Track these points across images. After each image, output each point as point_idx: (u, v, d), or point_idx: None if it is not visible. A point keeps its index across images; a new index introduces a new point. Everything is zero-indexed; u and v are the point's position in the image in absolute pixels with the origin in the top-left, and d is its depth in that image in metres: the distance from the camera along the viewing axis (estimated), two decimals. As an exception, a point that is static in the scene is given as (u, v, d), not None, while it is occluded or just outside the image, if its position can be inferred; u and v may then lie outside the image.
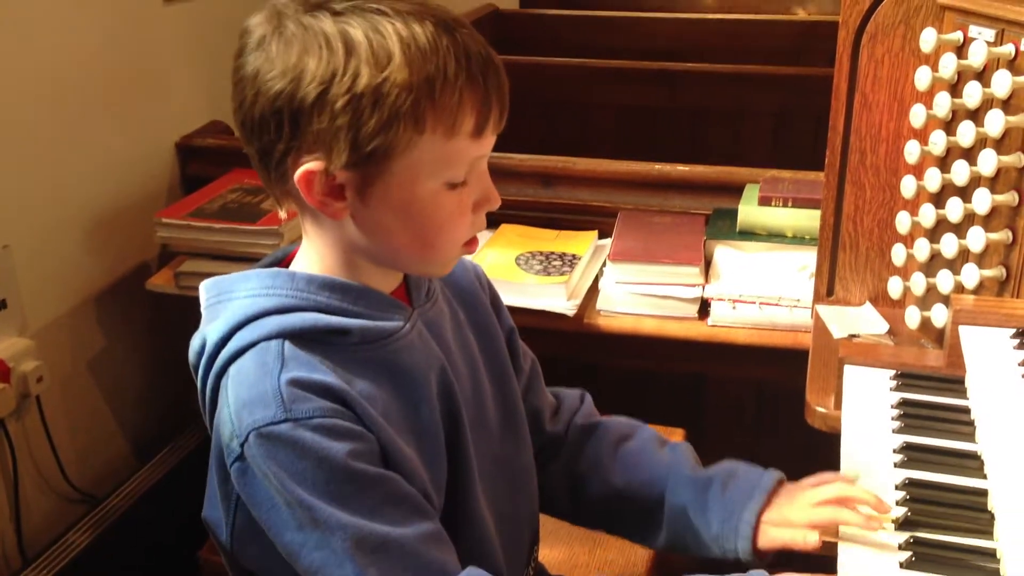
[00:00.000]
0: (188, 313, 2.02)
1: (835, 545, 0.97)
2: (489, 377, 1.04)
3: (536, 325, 1.63)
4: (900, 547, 0.95)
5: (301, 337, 0.89)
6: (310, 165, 0.86)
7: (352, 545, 0.84)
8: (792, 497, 1.03)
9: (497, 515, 1.01)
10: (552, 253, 1.84)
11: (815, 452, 1.19)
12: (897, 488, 1.02)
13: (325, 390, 0.86)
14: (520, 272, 1.77)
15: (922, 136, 1.31)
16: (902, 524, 0.97)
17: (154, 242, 1.94)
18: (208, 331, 0.91)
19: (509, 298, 1.66)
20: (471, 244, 0.95)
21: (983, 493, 0.99)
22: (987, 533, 0.95)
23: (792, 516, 1.01)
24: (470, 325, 1.05)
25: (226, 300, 0.92)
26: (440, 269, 0.96)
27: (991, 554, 0.92)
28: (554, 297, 1.72)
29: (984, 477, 1.01)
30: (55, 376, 1.81)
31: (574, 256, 1.82)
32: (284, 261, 0.98)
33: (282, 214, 0.96)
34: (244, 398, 0.86)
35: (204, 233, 1.86)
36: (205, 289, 0.95)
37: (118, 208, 1.97)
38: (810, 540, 0.97)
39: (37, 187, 1.77)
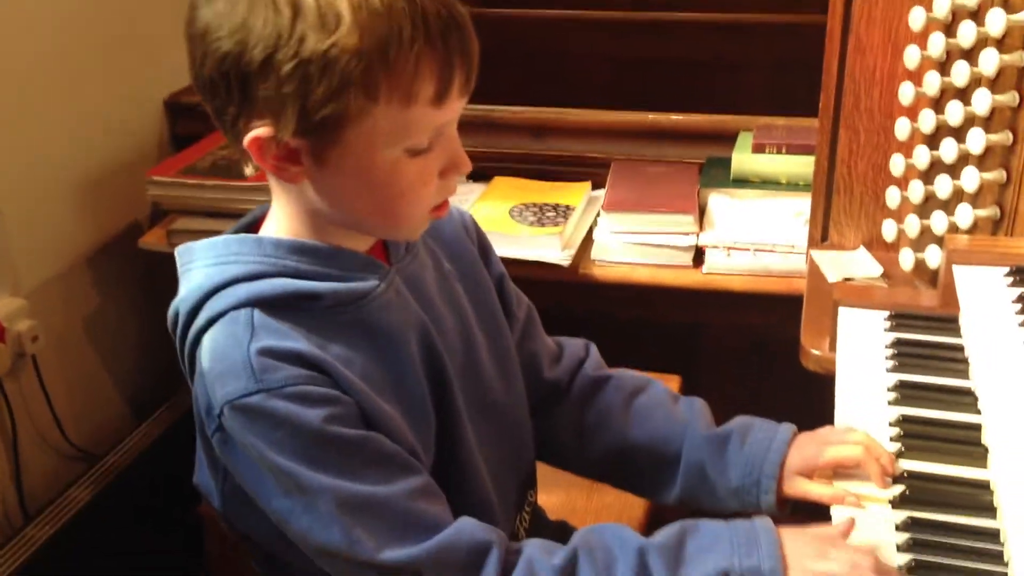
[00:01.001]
0: (182, 271, 2.02)
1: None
2: (480, 326, 1.03)
3: (531, 276, 1.62)
4: (893, 481, 0.96)
5: (271, 304, 0.87)
6: (259, 131, 0.82)
7: (337, 507, 0.84)
8: (812, 440, 1.02)
9: (490, 461, 1.01)
10: (546, 204, 1.84)
11: (811, 398, 1.20)
12: (891, 425, 1.03)
13: (297, 357, 0.85)
14: (514, 224, 1.77)
15: (916, 77, 1.30)
16: (896, 458, 0.98)
17: (145, 200, 1.93)
18: (179, 300, 0.90)
19: (503, 250, 1.67)
20: (440, 209, 0.91)
21: (977, 428, 1.00)
22: (981, 466, 0.96)
23: (817, 457, 1.00)
24: (458, 275, 1.03)
25: (195, 268, 0.90)
26: (408, 235, 0.94)
27: (985, 486, 0.93)
28: (548, 248, 1.71)
29: (978, 412, 1.01)
30: (50, 335, 1.81)
31: (568, 207, 1.82)
32: (258, 222, 0.96)
33: (248, 171, 0.92)
34: (217, 370, 0.85)
35: (195, 190, 1.85)
36: (178, 255, 0.93)
37: (108, 167, 1.95)
38: (849, 501, 0.94)
39: (26, 147, 1.75)
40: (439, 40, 0.81)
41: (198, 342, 0.88)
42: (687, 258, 1.70)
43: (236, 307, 0.86)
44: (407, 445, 0.90)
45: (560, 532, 1.17)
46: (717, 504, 1.06)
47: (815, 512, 0.99)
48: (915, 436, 1.01)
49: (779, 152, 1.76)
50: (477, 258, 1.08)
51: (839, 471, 0.99)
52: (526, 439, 1.09)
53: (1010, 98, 1.19)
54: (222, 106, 0.84)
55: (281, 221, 0.91)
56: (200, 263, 0.90)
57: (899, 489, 0.95)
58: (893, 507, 0.93)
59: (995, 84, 1.21)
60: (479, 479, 0.99)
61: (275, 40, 0.79)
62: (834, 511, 0.95)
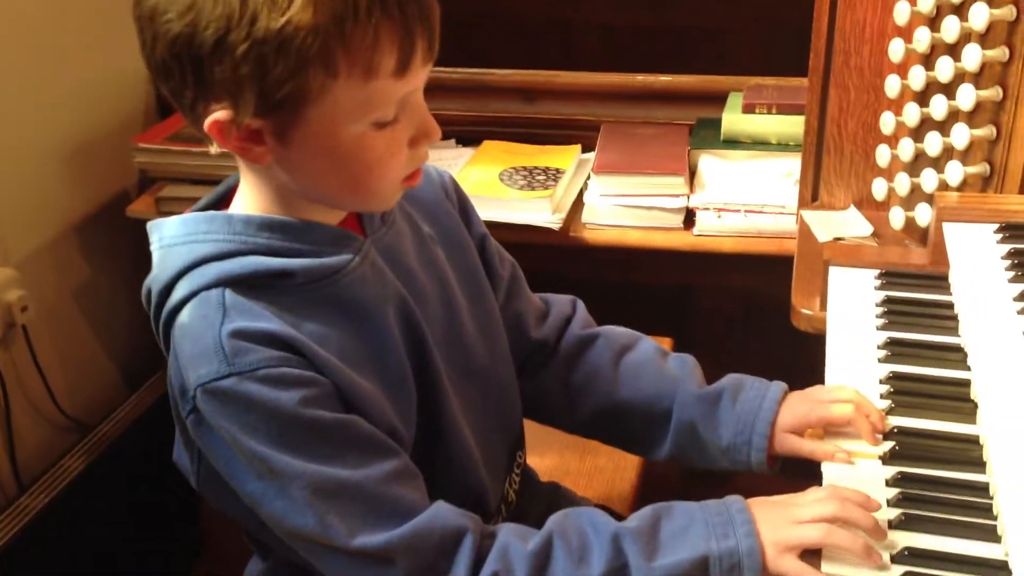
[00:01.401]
0: (171, 239, 2.01)
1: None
2: (463, 290, 1.02)
3: (521, 240, 1.62)
4: (884, 437, 0.96)
5: (243, 283, 0.85)
6: (218, 115, 0.80)
7: (310, 492, 0.83)
8: (803, 399, 1.02)
9: (475, 427, 1.00)
10: (535, 168, 1.83)
11: (802, 358, 1.20)
12: (881, 382, 1.03)
13: (270, 338, 0.83)
14: (504, 188, 1.76)
15: (906, 34, 1.30)
16: (886, 414, 0.99)
17: (132, 168, 1.92)
18: (151, 279, 0.89)
19: (493, 214, 1.67)
20: (412, 179, 0.89)
21: (966, 384, 1.00)
22: (970, 422, 0.96)
23: (808, 416, 1.00)
24: (438, 239, 1.01)
25: (167, 246, 0.89)
26: (380, 206, 0.92)
27: (974, 440, 0.94)
28: (539, 211, 1.71)
29: (967, 368, 1.02)
30: (41, 305, 1.80)
31: (558, 170, 1.81)
32: (227, 198, 0.93)
33: (212, 150, 0.88)
34: (189, 352, 0.83)
35: (183, 157, 1.84)
36: (149, 232, 0.91)
37: (94, 135, 1.93)
38: (839, 457, 0.94)
39: (10, 115, 1.74)
40: (396, 10, 0.79)
41: (171, 322, 0.87)
42: (678, 220, 1.70)
43: (207, 287, 0.85)
44: (385, 424, 0.89)
45: (552, 494, 1.18)
46: (708, 463, 1.06)
47: (805, 470, 0.99)
48: (905, 393, 1.01)
49: (769, 112, 1.75)
50: (458, 220, 1.06)
51: (830, 429, 0.99)
52: (512, 401, 1.09)
53: (1000, 53, 1.19)
54: (178, 89, 0.82)
55: (250, 198, 0.89)
56: (169, 240, 0.89)
57: (888, 445, 0.95)
58: (883, 463, 0.94)
59: (984, 40, 1.20)
60: (465, 447, 0.98)
61: (226, 21, 0.76)
62: (824, 468, 0.95)
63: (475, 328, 1.03)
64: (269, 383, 0.82)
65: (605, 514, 0.91)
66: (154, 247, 0.90)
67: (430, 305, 0.97)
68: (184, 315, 0.85)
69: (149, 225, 0.91)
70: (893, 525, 0.86)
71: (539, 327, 1.14)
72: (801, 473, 1.00)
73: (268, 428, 0.82)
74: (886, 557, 0.83)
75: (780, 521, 0.86)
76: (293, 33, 0.76)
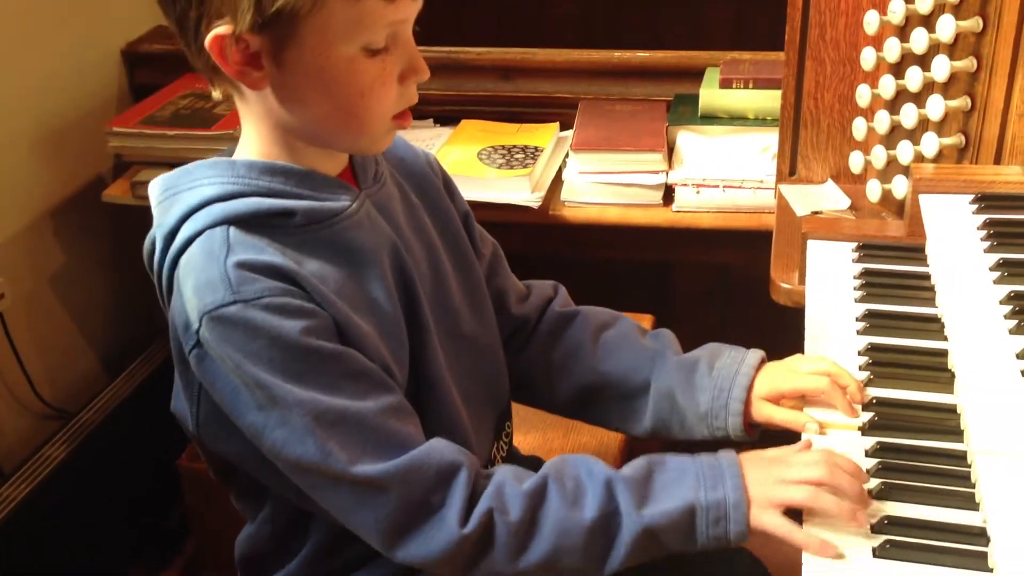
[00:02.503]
0: (148, 223, 1.98)
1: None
2: (450, 259, 1.04)
3: (501, 219, 1.62)
4: (863, 408, 0.97)
5: (246, 222, 0.88)
6: (219, 29, 0.83)
7: (311, 420, 0.85)
8: (780, 368, 1.03)
9: (463, 392, 1.02)
10: (514, 147, 1.82)
11: (782, 332, 1.21)
12: (860, 353, 1.04)
13: (273, 270, 0.86)
14: (482, 167, 1.75)
15: (881, 6, 1.30)
16: (864, 385, 1.00)
17: (107, 153, 1.90)
18: (156, 227, 0.91)
19: (472, 193, 1.66)
20: (402, 118, 0.92)
21: (943, 354, 1.01)
22: (947, 391, 0.97)
23: (782, 384, 1.01)
24: (426, 209, 1.04)
25: (172, 195, 0.92)
26: (371, 144, 0.94)
27: (951, 409, 0.95)
28: (518, 190, 1.70)
29: (944, 339, 1.03)
30: (17, 292, 1.79)
31: (536, 148, 1.81)
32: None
33: (216, 94, 0.92)
34: (194, 285, 0.86)
35: (158, 141, 1.82)
36: (152, 188, 0.94)
37: (67, 119, 1.91)
38: (810, 428, 0.96)
39: (-19, 100, 1.72)
40: None
41: (176, 264, 0.89)
42: (657, 196, 1.70)
43: (211, 226, 0.88)
44: (381, 362, 0.91)
45: (534, 466, 1.18)
46: (688, 432, 1.07)
47: (785, 438, 1.00)
48: (883, 364, 1.02)
49: (746, 87, 1.75)
50: (444, 194, 1.08)
51: (808, 400, 1.00)
52: (499, 371, 1.10)
53: (974, 23, 1.19)
54: (183, 13, 0.85)
55: (252, 143, 0.92)
56: (174, 189, 0.91)
57: (867, 416, 0.96)
58: (862, 433, 0.95)
59: (958, 11, 1.20)
60: (452, 403, 1.00)
61: None
62: (803, 438, 0.96)
63: (462, 297, 1.04)
64: (272, 311, 0.84)
65: (600, 461, 0.93)
66: (155, 201, 0.93)
67: (419, 263, 0.99)
68: (189, 253, 0.88)
69: (151, 183, 0.94)
70: (873, 495, 0.87)
71: (520, 305, 1.15)
72: (783, 441, 1.00)
73: (271, 355, 0.84)
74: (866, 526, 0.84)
75: (769, 479, 0.88)
76: None
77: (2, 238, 1.77)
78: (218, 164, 0.91)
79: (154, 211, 0.93)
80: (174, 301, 0.89)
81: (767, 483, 0.88)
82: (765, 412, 1.01)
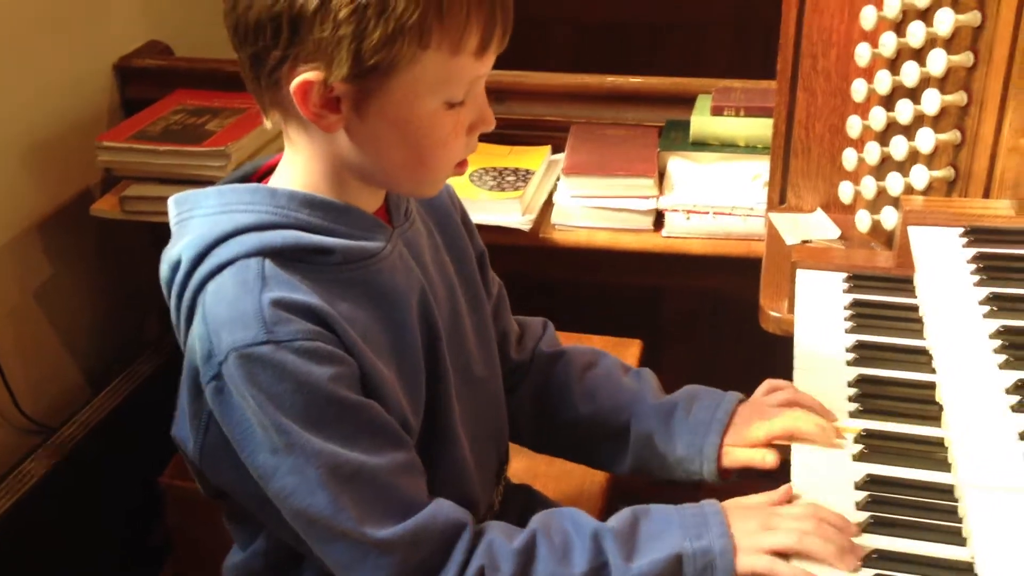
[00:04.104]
0: (136, 238, 1.99)
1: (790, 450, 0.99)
2: (465, 299, 1.03)
3: (491, 242, 1.59)
4: (853, 440, 0.97)
5: (282, 255, 0.86)
6: (308, 75, 0.82)
7: (326, 472, 0.83)
8: (749, 417, 1.04)
9: (472, 436, 1.01)
10: (505, 169, 1.82)
11: (770, 359, 1.21)
12: (850, 385, 1.04)
13: (308, 311, 0.84)
14: (474, 188, 1.75)
15: (872, 38, 1.31)
16: (854, 418, 1.00)
17: (96, 167, 1.89)
18: (183, 247, 0.88)
19: (463, 214, 1.66)
20: (461, 166, 0.93)
21: (931, 386, 1.01)
22: (935, 423, 0.98)
23: (751, 435, 1.02)
24: (445, 247, 1.03)
25: (199, 215, 0.89)
26: (430, 189, 0.94)
27: (939, 443, 0.95)
28: (508, 213, 1.71)
29: (933, 371, 1.03)
30: (2, 305, 1.78)
31: (527, 171, 1.81)
32: (252, 178, 0.95)
33: (267, 124, 0.90)
34: (223, 317, 0.84)
35: (148, 156, 1.81)
36: (175, 204, 0.92)
37: (57, 132, 1.90)
38: (768, 460, 0.99)
39: (-30, 111, 1.71)
40: None
41: (201, 289, 0.86)
42: (647, 222, 1.70)
43: (246, 255, 0.85)
44: (399, 413, 0.90)
45: (526, 497, 1.19)
46: (667, 474, 1.07)
47: (771, 477, 1.00)
48: (873, 396, 1.02)
49: (738, 115, 1.76)
50: (462, 230, 1.08)
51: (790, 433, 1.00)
52: (503, 412, 1.10)
53: (965, 58, 1.20)
54: (264, 51, 0.83)
55: (297, 172, 0.91)
56: (204, 211, 0.89)
57: (857, 449, 0.96)
58: (853, 463, 0.94)
59: (950, 45, 1.21)
60: (461, 454, 1.00)
61: None
62: (794, 471, 0.96)
63: (474, 337, 1.04)
64: (304, 356, 0.83)
65: (586, 514, 0.93)
66: (179, 218, 0.91)
67: (441, 306, 0.98)
68: (220, 280, 0.85)
69: (175, 198, 0.92)
70: (863, 528, 0.87)
71: (519, 349, 1.15)
72: (764, 477, 1.01)
73: (294, 401, 0.83)
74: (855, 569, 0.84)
75: (753, 525, 0.88)
76: (396, 1, 0.79)
77: (-12, 250, 1.76)
78: (259, 190, 0.89)
79: (173, 227, 0.91)
80: (195, 327, 0.86)
81: (753, 530, 0.88)
82: (734, 457, 1.03)
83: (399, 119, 0.85)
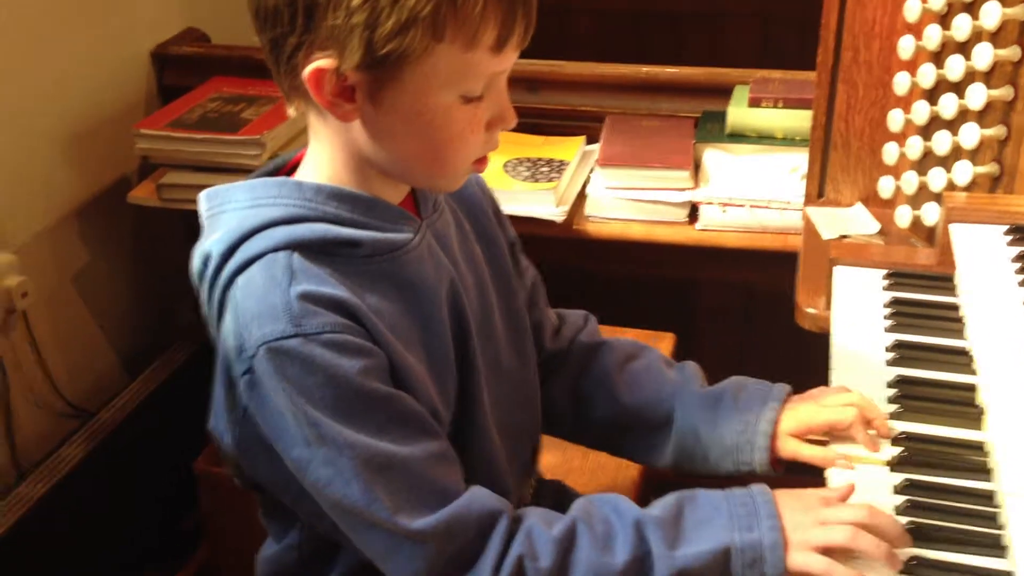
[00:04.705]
0: (172, 226, 2.01)
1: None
2: (495, 289, 1.02)
3: (525, 232, 1.59)
4: (891, 443, 0.96)
5: (310, 248, 0.86)
6: (321, 63, 0.82)
7: (359, 463, 0.83)
8: (805, 402, 1.02)
9: (502, 428, 1.01)
10: (540, 159, 1.81)
11: (805, 355, 1.19)
12: (889, 386, 1.03)
13: (336, 304, 0.84)
14: (508, 179, 1.75)
15: (916, 31, 1.28)
16: (893, 418, 0.98)
17: (133, 154, 1.90)
18: (213, 242, 0.88)
19: (497, 205, 1.65)
20: (481, 163, 0.92)
21: (972, 388, 0.99)
22: (976, 427, 0.96)
23: (810, 419, 0.99)
24: (475, 236, 1.03)
25: (229, 210, 0.90)
26: (448, 185, 0.94)
27: (979, 447, 0.93)
28: (542, 203, 1.70)
29: (974, 373, 1.01)
30: (41, 291, 1.80)
31: (562, 162, 1.80)
32: (282, 171, 0.95)
33: (291, 111, 0.90)
34: (253, 310, 0.84)
35: (184, 144, 1.82)
36: (205, 198, 0.92)
37: (95, 120, 1.92)
38: (840, 464, 0.95)
39: (11, 100, 1.72)
40: None
41: (231, 283, 0.87)
42: (682, 214, 1.69)
43: (275, 249, 0.86)
44: (429, 404, 0.90)
45: (559, 493, 1.18)
46: (711, 467, 1.05)
47: (810, 472, 0.99)
48: (913, 397, 1.01)
49: (775, 106, 1.74)
50: (493, 219, 1.07)
51: (833, 432, 0.99)
52: (536, 405, 1.09)
53: (1012, 52, 1.18)
54: (282, 36, 0.83)
55: (321, 164, 0.91)
56: (235, 205, 0.90)
57: (894, 451, 0.95)
58: (891, 469, 0.93)
59: (996, 38, 1.19)
60: (492, 446, 0.99)
61: None
62: (828, 471, 0.95)
63: (505, 328, 1.03)
64: (333, 348, 0.83)
65: (628, 500, 0.91)
66: (210, 213, 0.91)
67: (471, 297, 0.98)
68: (249, 274, 0.86)
69: (206, 193, 0.92)
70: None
71: (555, 339, 1.14)
72: (808, 475, 0.99)
73: (324, 393, 0.83)
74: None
75: (807, 520, 0.86)
76: None
77: (27, 236, 1.78)
78: (285, 184, 0.89)
79: (204, 222, 0.91)
80: (226, 321, 0.87)
81: (805, 524, 0.86)
82: (791, 448, 1.00)
83: (413, 111, 0.85)
